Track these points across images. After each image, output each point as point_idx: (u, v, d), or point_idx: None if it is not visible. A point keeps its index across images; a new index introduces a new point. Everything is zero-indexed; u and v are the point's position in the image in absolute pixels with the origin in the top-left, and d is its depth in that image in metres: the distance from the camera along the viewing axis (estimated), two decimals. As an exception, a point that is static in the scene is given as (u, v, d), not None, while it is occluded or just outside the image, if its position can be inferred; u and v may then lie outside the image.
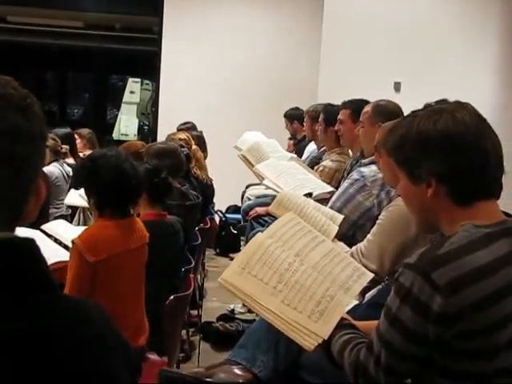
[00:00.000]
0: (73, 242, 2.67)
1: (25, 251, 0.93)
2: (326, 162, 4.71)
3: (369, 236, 2.82)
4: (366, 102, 3.94)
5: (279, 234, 2.00)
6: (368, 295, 2.63)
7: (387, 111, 3.52)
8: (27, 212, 0.98)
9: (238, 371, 2.40)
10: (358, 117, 3.93)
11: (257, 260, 1.88)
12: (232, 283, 1.82)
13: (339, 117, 4.28)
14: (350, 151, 4.61)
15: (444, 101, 1.65)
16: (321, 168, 4.63)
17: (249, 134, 5.67)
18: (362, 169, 3.45)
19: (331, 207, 3.40)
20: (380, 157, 2.87)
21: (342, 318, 1.82)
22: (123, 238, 2.81)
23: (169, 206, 3.69)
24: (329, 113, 4.83)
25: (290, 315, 1.78)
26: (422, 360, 1.48)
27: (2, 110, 0.92)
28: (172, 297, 2.86)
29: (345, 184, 3.43)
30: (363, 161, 3.60)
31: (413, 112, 1.66)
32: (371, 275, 2.08)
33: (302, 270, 1.91)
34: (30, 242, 0.94)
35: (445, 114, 1.57)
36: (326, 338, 1.75)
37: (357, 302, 2.39)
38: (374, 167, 3.39)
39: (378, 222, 2.83)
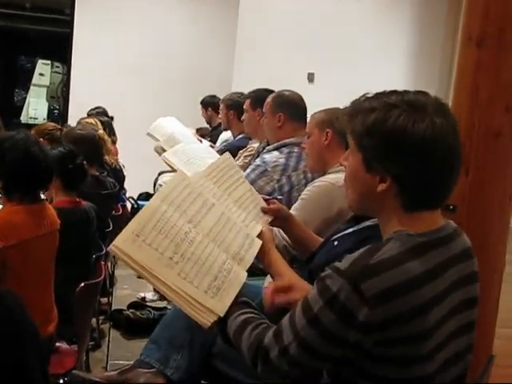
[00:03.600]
0: (-21, 226, 2.58)
1: None
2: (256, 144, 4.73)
3: (291, 211, 2.83)
4: (268, 91, 4.03)
5: (172, 198, 1.87)
6: None
7: (287, 101, 3.60)
8: None
9: (149, 376, 2.33)
10: (257, 104, 4.08)
11: (152, 227, 1.75)
12: (125, 251, 1.67)
13: (244, 107, 4.36)
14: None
15: (423, 93, 1.56)
16: (250, 149, 4.63)
17: (163, 120, 5.59)
18: (265, 155, 3.51)
19: None
20: (308, 138, 2.91)
21: (239, 295, 1.78)
22: (33, 224, 2.75)
23: (85, 193, 3.62)
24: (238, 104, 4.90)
25: (187, 289, 1.70)
26: (337, 359, 1.48)
27: None
28: (82, 284, 2.81)
29: (247, 171, 3.47)
30: (267, 147, 3.68)
31: (389, 96, 1.55)
32: (259, 242, 2.04)
33: (198, 240, 1.83)
34: None
35: (425, 117, 1.48)
36: (221, 315, 1.70)
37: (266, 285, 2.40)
38: (275, 153, 3.47)
39: (301, 197, 2.86)
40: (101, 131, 5.32)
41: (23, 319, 0.99)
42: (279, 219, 2.38)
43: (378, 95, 1.58)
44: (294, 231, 2.46)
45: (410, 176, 1.50)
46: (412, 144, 1.47)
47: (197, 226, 1.87)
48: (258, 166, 3.42)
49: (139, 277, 5.29)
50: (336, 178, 2.72)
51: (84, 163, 3.50)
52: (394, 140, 1.49)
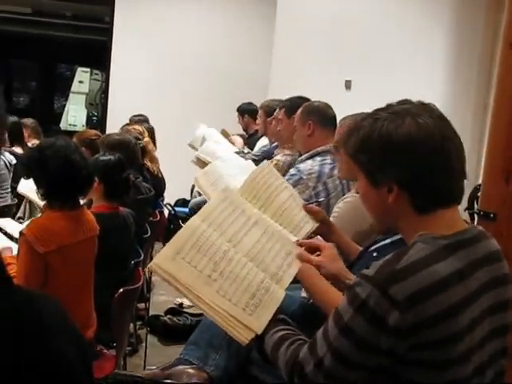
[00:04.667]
0: (21, 232, 2.62)
1: None
2: (280, 157, 4.75)
3: None
4: (302, 99, 4.05)
5: (212, 217, 1.92)
6: None
7: (315, 109, 3.65)
8: None
9: (191, 371, 2.39)
10: (292, 112, 4.07)
11: (191, 246, 1.79)
12: (165, 269, 1.71)
13: (278, 117, 4.38)
14: None
15: (406, 101, 1.62)
16: (274, 162, 4.65)
17: (203, 131, 5.60)
18: (299, 165, 3.56)
19: None
20: (338, 154, 2.92)
21: (277, 313, 1.79)
22: (73, 230, 2.78)
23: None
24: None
25: (225, 306, 1.72)
26: (372, 368, 1.47)
27: None
28: (121, 290, 2.83)
29: None
30: (299, 158, 3.72)
31: (375, 112, 1.62)
32: (298, 264, 2.06)
33: (236, 259, 1.85)
34: None
35: (408, 118, 1.54)
36: (259, 333, 1.72)
37: (304, 295, 2.42)
38: (309, 161, 3.51)
39: (333, 215, 2.86)
40: (146, 139, 5.38)
41: (56, 324, 1.01)
42: (321, 224, 2.38)
43: (367, 115, 1.64)
44: (334, 237, 2.46)
45: (412, 177, 1.53)
46: (401, 146, 1.52)
47: (236, 246, 1.90)
48: (293, 175, 3.44)
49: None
50: None
51: (130, 177, 3.54)
52: (385, 147, 1.54)
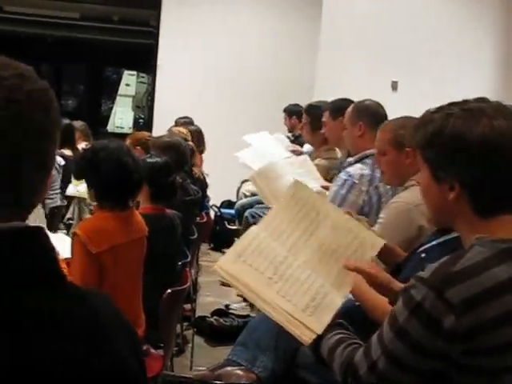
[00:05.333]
0: (74, 233, 2.66)
1: (36, 240, 0.95)
2: (318, 161, 4.73)
3: None
4: (346, 101, 4.00)
5: (273, 226, 1.98)
6: None
7: (367, 110, 3.57)
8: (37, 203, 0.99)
9: (240, 372, 2.41)
10: (336, 114, 4.03)
11: (253, 249, 1.86)
12: (227, 270, 1.80)
13: (323, 119, 4.34)
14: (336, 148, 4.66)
15: (483, 99, 1.58)
16: None
17: (253, 140, 5.57)
18: (348, 168, 3.48)
19: None
20: (383, 155, 2.88)
21: (335, 317, 1.80)
22: (123, 230, 2.81)
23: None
24: (312, 115, 4.88)
25: (285, 307, 1.77)
26: (425, 372, 1.46)
27: (29, 109, 0.92)
28: (169, 291, 2.86)
29: (334, 188, 3.45)
30: (348, 160, 3.65)
31: (448, 107, 1.58)
32: (353, 274, 2.05)
33: (296, 264, 1.90)
34: (42, 231, 0.96)
35: (483, 119, 1.50)
36: (319, 333, 1.73)
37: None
38: (358, 165, 3.45)
39: (379, 221, 2.84)
40: (191, 142, 5.42)
41: (111, 321, 1.02)
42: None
43: (439, 108, 1.61)
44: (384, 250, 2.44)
45: (476, 180, 1.50)
46: (471, 147, 1.49)
47: (296, 254, 1.95)
48: (345, 180, 3.39)
49: (222, 284, 5.38)
50: (410, 196, 2.69)
51: (177, 180, 3.57)
52: (454, 146, 1.51)
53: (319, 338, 1.74)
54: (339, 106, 4.01)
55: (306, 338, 1.73)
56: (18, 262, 0.90)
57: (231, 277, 1.79)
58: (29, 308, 0.90)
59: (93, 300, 1.02)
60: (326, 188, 3.89)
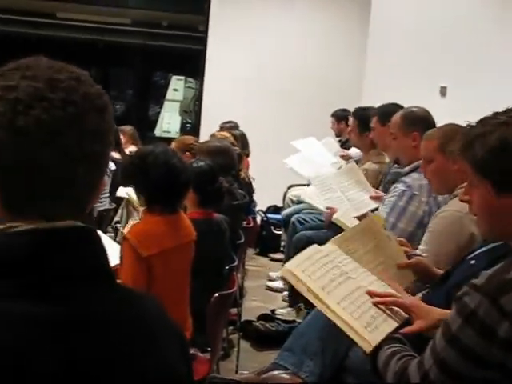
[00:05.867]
0: (124, 237, 2.70)
1: (89, 239, 0.97)
2: (368, 165, 4.70)
3: (421, 246, 2.80)
4: (396, 106, 3.96)
5: (338, 249, 2.08)
6: None
7: (419, 119, 3.51)
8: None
9: (286, 376, 2.42)
10: (385, 120, 4.00)
11: (316, 260, 1.97)
12: (295, 274, 1.87)
13: (371, 124, 4.31)
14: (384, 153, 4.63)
15: None
16: (363, 172, 4.61)
17: (301, 146, 5.57)
18: (405, 179, 3.43)
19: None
20: (429, 163, 2.86)
21: (392, 332, 1.82)
22: (172, 234, 2.84)
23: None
24: (360, 118, 4.86)
25: (347, 318, 1.82)
26: (477, 381, 1.45)
27: (87, 111, 0.94)
28: (216, 294, 2.88)
29: (391, 199, 3.40)
30: (404, 170, 3.59)
31: (498, 117, 1.57)
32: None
33: (356, 285, 1.98)
34: (94, 231, 0.98)
35: None
36: (374, 345, 1.76)
37: None
38: (415, 175, 3.39)
39: (428, 230, 2.82)
40: (237, 147, 5.44)
41: (160, 326, 1.04)
42: (419, 273, 2.37)
43: (482, 120, 1.59)
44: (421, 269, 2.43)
45: None
46: None
47: (355, 277, 2.03)
48: (404, 191, 3.34)
49: (268, 289, 5.39)
50: (459, 204, 2.66)
51: (223, 185, 3.57)
52: None
53: (375, 351, 1.76)
54: (387, 112, 3.99)
55: (366, 344, 1.78)
56: (70, 260, 0.92)
57: (297, 280, 1.86)
58: (78, 308, 0.91)
59: (142, 302, 1.03)
60: (375, 198, 3.87)
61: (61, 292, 0.90)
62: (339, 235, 2.19)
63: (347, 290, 1.93)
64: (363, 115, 4.81)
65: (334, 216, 3.60)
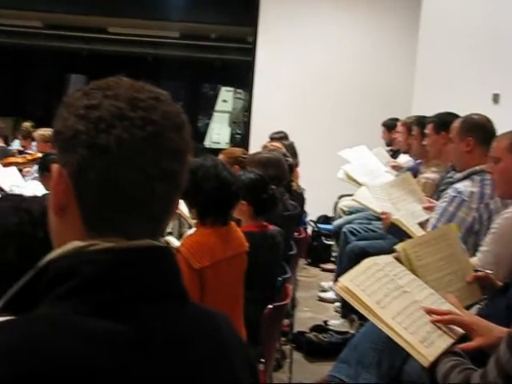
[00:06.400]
0: (177, 249, 2.72)
1: (165, 258, 0.98)
2: (429, 174, 4.66)
3: (482, 248, 2.81)
4: (451, 115, 3.94)
5: (390, 267, 2.08)
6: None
7: (477, 125, 3.51)
8: None
9: None
10: (441, 128, 4.00)
11: (371, 274, 1.98)
12: (349, 290, 1.89)
13: (425, 131, 4.29)
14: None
15: None
16: (423, 180, 4.56)
17: (349, 155, 5.54)
18: (456, 185, 3.42)
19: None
20: (497, 163, 2.84)
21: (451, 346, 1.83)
22: (224, 246, 2.85)
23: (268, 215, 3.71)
24: (423, 127, 4.82)
25: (402, 333, 1.82)
26: None
27: (166, 129, 0.95)
28: (270, 306, 2.88)
29: (441, 204, 3.39)
30: (456, 176, 3.58)
31: None
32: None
33: (412, 300, 1.97)
34: (171, 250, 0.99)
35: None
36: (432, 359, 1.77)
37: None
38: (467, 182, 3.39)
39: (492, 231, 2.80)
40: (290, 158, 5.44)
41: (233, 343, 1.04)
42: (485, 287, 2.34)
43: None
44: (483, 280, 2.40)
45: None
46: None
47: (410, 291, 2.03)
48: (454, 197, 3.34)
49: (320, 300, 5.37)
50: None
51: (275, 192, 3.58)
52: None
53: (434, 364, 1.76)
54: (444, 121, 3.98)
55: (424, 359, 1.79)
56: (148, 278, 0.93)
57: (351, 295, 1.89)
58: (156, 327, 0.92)
59: (215, 319, 1.04)
60: (428, 209, 3.83)
61: (138, 310, 0.91)
62: (412, 239, 2.19)
63: (402, 305, 1.93)
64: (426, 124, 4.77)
65: (394, 216, 3.60)
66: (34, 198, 1.69)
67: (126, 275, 0.91)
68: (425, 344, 1.80)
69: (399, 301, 1.93)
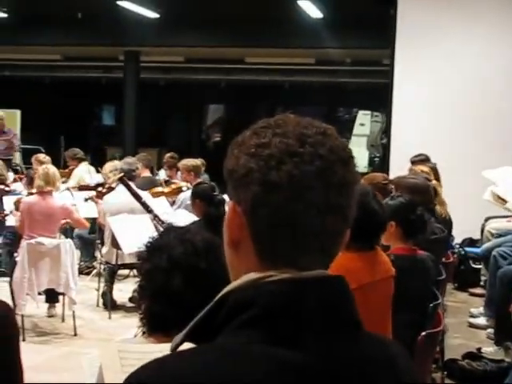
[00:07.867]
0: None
1: (340, 287, 0.99)
2: None
3: None
4: None
5: None
6: None
7: None
8: None
9: None
10: None
11: None
12: None
13: None
14: None
15: None
16: None
17: (493, 176, 5.34)
18: None
19: None
20: None
21: None
22: (370, 270, 2.83)
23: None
24: None
25: None
26: None
27: (333, 164, 0.96)
28: (424, 333, 2.82)
29: None
30: None
31: None
32: None
33: None
34: (343, 279, 0.99)
35: None
36: None
37: None
38: None
39: None
40: (434, 181, 5.34)
41: (408, 372, 1.03)
42: None
43: None
44: None
45: None
46: None
47: None
48: None
49: (470, 325, 5.20)
50: None
51: (424, 214, 3.54)
52: None
53: None
54: None
55: None
56: (323, 309, 0.94)
57: None
58: (341, 356, 0.93)
59: (390, 350, 1.04)
60: None
61: (316, 341, 0.92)
62: None
63: None
64: None
65: None
66: (196, 229, 1.75)
67: (303, 305, 0.93)
68: None
69: None
